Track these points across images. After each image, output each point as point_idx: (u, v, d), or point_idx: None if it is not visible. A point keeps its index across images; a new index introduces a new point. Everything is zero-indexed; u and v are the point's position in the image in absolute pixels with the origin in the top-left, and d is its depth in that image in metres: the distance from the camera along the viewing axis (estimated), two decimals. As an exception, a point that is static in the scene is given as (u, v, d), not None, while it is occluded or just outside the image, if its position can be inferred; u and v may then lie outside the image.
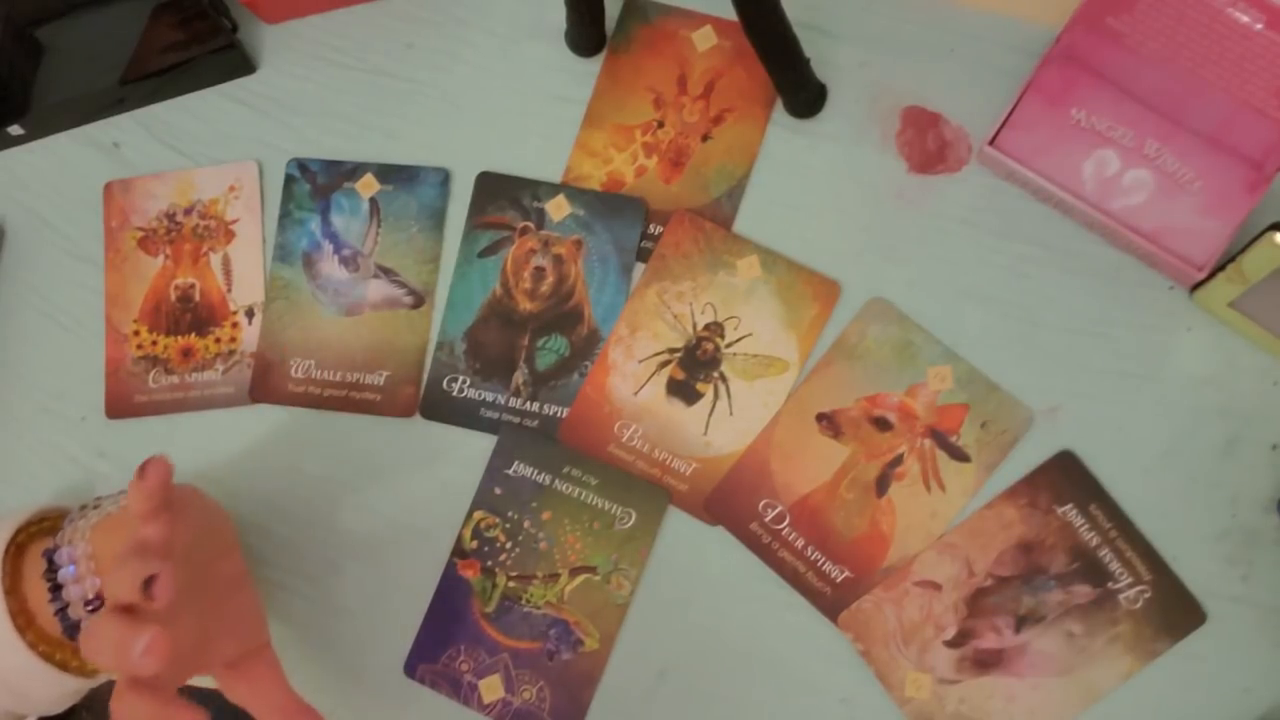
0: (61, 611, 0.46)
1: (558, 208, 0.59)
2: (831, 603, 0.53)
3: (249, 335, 0.61)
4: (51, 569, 0.46)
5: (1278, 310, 0.51)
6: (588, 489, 0.56)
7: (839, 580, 0.53)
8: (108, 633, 0.39)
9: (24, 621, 0.47)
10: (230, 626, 0.48)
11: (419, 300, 0.60)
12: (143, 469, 0.43)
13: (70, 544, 0.46)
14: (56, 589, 0.46)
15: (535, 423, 0.57)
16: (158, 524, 0.43)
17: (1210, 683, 0.51)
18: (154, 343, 0.61)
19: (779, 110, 0.59)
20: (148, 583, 0.40)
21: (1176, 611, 0.51)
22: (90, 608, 0.46)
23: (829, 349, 0.56)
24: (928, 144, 0.58)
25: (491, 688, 0.55)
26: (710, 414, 0.56)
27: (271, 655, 0.50)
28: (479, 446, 0.57)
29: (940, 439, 0.54)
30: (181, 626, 0.43)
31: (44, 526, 0.50)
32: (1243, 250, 0.49)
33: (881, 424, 0.55)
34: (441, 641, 0.55)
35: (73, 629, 0.46)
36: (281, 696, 0.49)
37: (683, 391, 0.57)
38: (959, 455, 0.54)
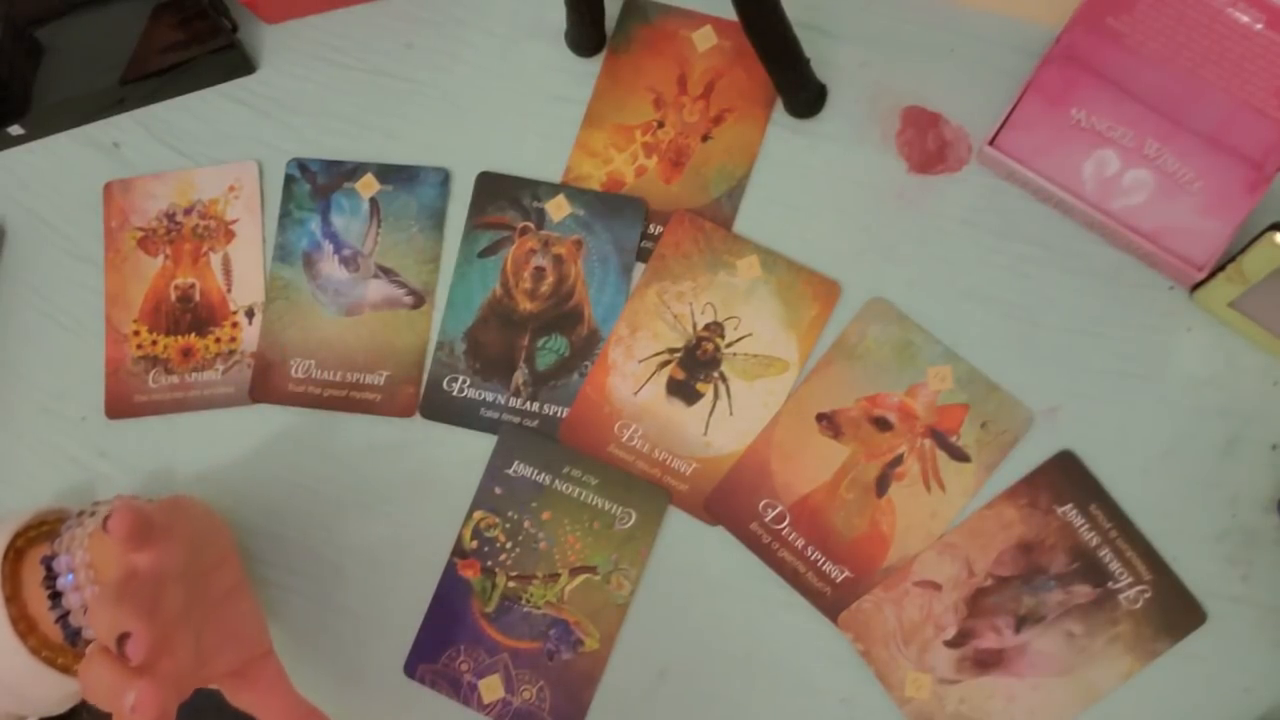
0: (63, 619, 0.45)
1: (558, 208, 0.59)
2: (831, 603, 0.53)
3: (249, 335, 0.61)
4: (50, 576, 0.46)
5: (1278, 310, 0.51)
6: (588, 489, 0.56)
7: (839, 580, 0.54)
8: (100, 677, 0.39)
9: (25, 627, 0.47)
10: (230, 636, 0.48)
11: (419, 300, 0.60)
12: (105, 524, 0.42)
13: (68, 552, 0.46)
14: (56, 596, 0.45)
15: (535, 423, 0.57)
16: (145, 553, 0.43)
17: (1210, 683, 0.51)
18: (154, 343, 0.61)
19: (779, 110, 0.59)
20: (122, 639, 0.39)
21: (1176, 611, 0.51)
22: None
23: (829, 349, 0.56)
24: (928, 144, 0.58)
25: (491, 688, 0.55)
26: (710, 414, 0.56)
27: (274, 660, 0.50)
28: (479, 446, 0.57)
29: (940, 439, 0.54)
30: (177, 646, 0.42)
31: (42, 531, 0.50)
32: (1243, 250, 0.49)
33: (881, 424, 0.55)
34: (441, 641, 0.55)
35: (74, 635, 0.46)
36: (286, 701, 0.48)
37: (683, 391, 0.57)
38: (959, 455, 0.54)
